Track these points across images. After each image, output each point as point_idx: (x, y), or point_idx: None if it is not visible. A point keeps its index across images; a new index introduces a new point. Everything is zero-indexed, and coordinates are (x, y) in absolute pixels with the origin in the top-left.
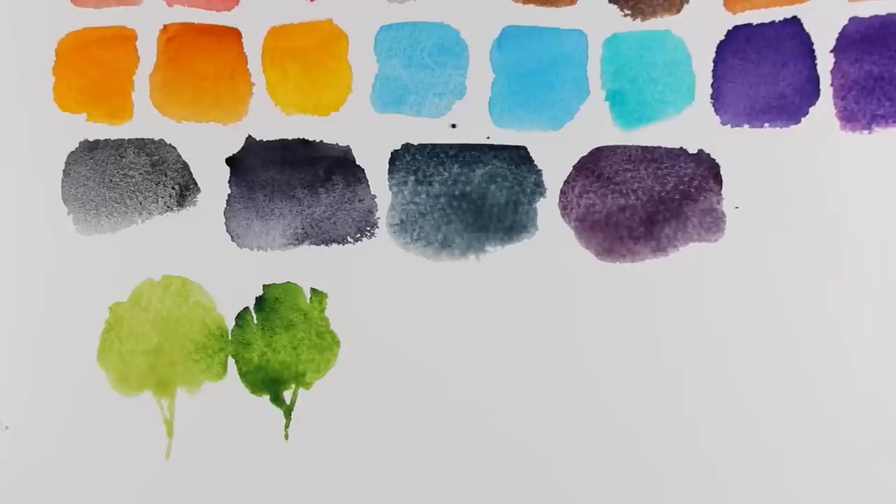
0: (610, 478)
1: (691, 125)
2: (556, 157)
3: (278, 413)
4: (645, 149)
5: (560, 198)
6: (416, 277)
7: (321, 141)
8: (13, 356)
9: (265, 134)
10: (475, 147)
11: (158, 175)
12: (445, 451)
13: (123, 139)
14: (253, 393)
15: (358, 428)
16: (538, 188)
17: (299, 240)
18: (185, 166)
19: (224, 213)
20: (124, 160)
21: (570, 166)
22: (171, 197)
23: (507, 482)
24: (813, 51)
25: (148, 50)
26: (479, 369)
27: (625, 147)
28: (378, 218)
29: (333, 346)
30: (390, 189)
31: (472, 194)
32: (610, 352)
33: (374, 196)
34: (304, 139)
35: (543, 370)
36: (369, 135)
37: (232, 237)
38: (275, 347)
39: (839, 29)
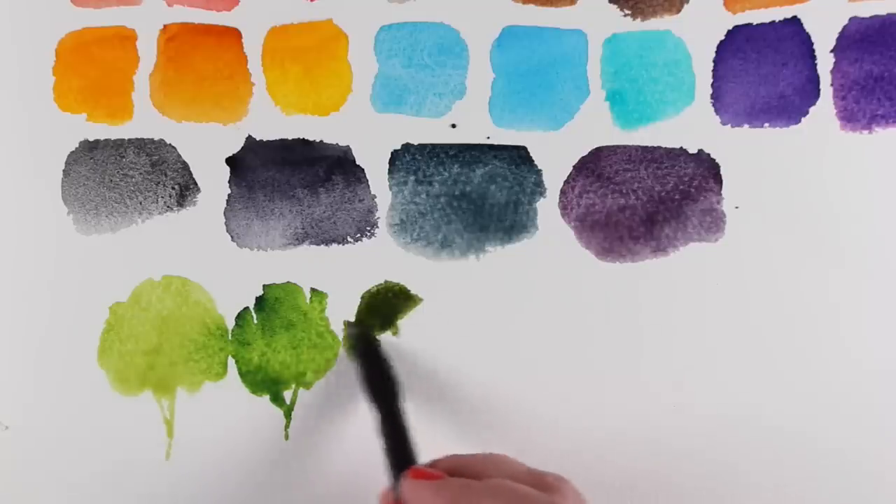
0: (610, 478)
1: (691, 125)
2: (556, 157)
3: (278, 413)
4: (645, 149)
5: (560, 198)
6: (416, 277)
7: (321, 141)
8: (14, 356)
9: (265, 134)
10: (475, 147)
11: (158, 175)
12: (445, 450)
13: (123, 139)
14: (253, 393)
15: (358, 428)
16: (538, 188)
17: (299, 240)
18: (185, 166)
19: (224, 213)
20: (124, 160)
21: (570, 166)
22: (171, 197)
23: None
24: (813, 51)
25: (148, 50)
26: (478, 369)
27: (625, 147)
28: (378, 218)
29: (333, 346)
30: (390, 189)
31: (472, 194)
32: (610, 351)
33: (374, 196)
34: (304, 139)
35: (543, 370)
36: (369, 135)
37: (232, 237)
38: (275, 347)
39: (839, 29)
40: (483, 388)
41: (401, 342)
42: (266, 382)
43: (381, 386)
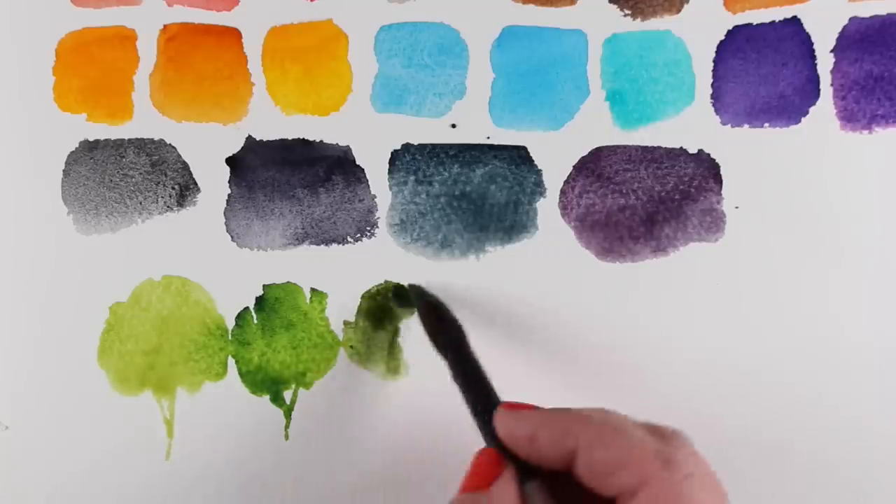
0: None
1: (691, 125)
2: (556, 157)
3: (278, 413)
4: (645, 149)
5: (560, 198)
6: (416, 277)
7: (321, 141)
8: (14, 356)
9: (265, 134)
10: (475, 147)
11: (158, 175)
12: (445, 450)
13: (123, 139)
14: (253, 393)
15: (358, 428)
16: (538, 188)
17: (299, 240)
18: (185, 166)
19: (224, 213)
20: (124, 160)
21: (570, 166)
22: (171, 197)
23: None
24: (813, 51)
25: (148, 50)
26: None
27: (625, 147)
28: (378, 218)
29: (333, 346)
30: (390, 189)
31: (472, 194)
32: (610, 352)
33: (374, 196)
34: (304, 139)
35: (543, 370)
36: (369, 135)
37: (232, 237)
38: (275, 347)
39: (839, 29)
40: None
41: (400, 342)
42: (266, 382)
43: (448, 333)
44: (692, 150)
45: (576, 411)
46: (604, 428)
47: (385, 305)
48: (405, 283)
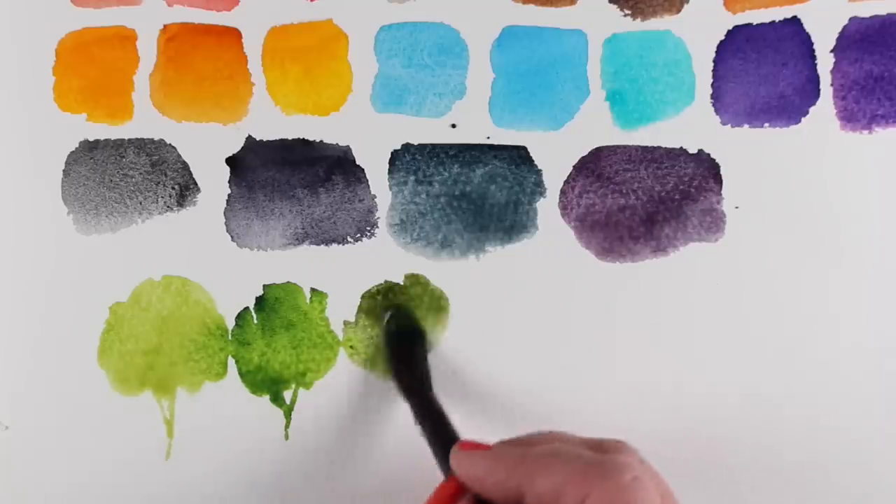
0: None
1: (691, 125)
2: (556, 157)
3: (278, 413)
4: (645, 149)
5: (560, 198)
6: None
7: (321, 141)
8: (13, 356)
9: (265, 134)
10: (475, 147)
11: (158, 175)
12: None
13: (123, 139)
14: (253, 393)
15: (358, 428)
16: (538, 188)
17: (299, 240)
18: (185, 166)
19: (224, 213)
20: (124, 160)
21: (570, 166)
22: (171, 197)
23: None
24: (813, 51)
25: (148, 50)
26: (478, 369)
27: (625, 147)
28: (378, 218)
29: (333, 346)
30: (390, 189)
31: (472, 194)
32: (610, 352)
33: (374, 196)
34: (304, 139)
35: (543, 370)
36: (369, 135)
37: (232, 237)
38: (275, 347)
39: (839, 29)
40: (481, 387)
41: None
42: (266, 382)
43: (414, 376)
44: (692, 150)
45: (520, 451)
46: (542, 459)
47: (385, 305)
48: (389, 311)
